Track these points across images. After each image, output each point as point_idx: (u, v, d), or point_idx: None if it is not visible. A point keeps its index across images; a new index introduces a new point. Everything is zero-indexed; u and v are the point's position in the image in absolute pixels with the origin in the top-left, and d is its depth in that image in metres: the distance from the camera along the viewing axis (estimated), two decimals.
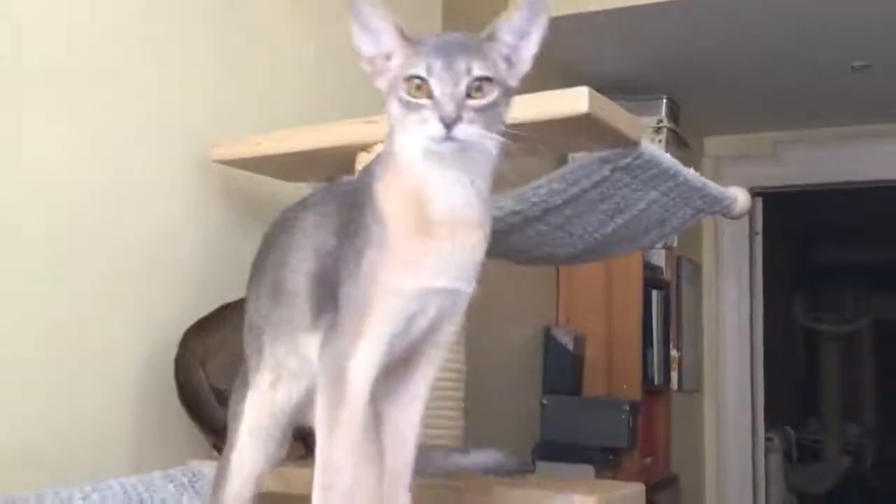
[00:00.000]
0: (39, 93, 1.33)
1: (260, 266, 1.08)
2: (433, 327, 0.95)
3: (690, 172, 1.50)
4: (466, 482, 1.23)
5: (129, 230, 1.46)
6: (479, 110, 0.84)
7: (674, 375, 3.66)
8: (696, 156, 4.14)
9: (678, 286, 3.79)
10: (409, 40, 0.89)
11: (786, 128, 4.14)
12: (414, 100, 0.85)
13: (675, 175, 1.47)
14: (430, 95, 0.84)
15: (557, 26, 3.02)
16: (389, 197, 0.89)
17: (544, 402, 3.22)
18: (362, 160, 1.44)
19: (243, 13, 1.74)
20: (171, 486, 1.34)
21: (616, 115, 1.29)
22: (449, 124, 0.82)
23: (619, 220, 1.57)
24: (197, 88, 1.62)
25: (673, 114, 3.56)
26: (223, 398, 1.25)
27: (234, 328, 1.19)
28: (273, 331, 1.03)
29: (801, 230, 5.48)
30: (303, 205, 1.03)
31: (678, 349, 3.71)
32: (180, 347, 1.43)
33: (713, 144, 4.31)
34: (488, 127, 0.84)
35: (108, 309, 1.43)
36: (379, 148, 1.40)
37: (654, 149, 1.40)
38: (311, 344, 0.96)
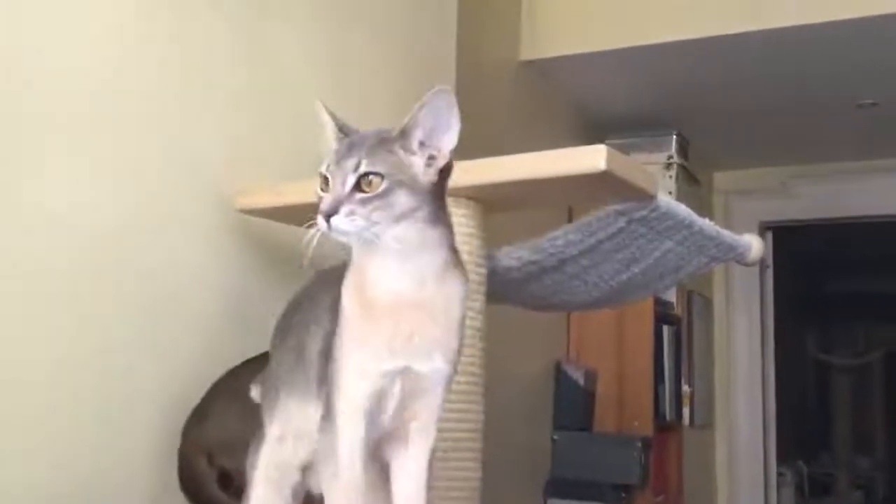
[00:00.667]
0: (63, 136, 1.35)
1: (287, 322, 1.11)
2: (406, 405, 0.98)
3: (705, 222, 1.53)
4: None
5: (150, 274, 1.47)
6: (365, 202, 0.89)
7: (685, 411, 3.66)
8: (706, 191, 4.17)
9: (689, 321, 3.80)
10: (337, 142, 0.97)
11: (794, 163, 4.16)
12: (319, 194, 0.93)
13: (690, 225, 1.50)
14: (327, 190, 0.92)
15: (568, 65, 3.07)
16: (348, 282, 0.96)
17: (555, 437, 3.22)
18: None
19: (266, 57, 1.78)
20: None
21: (632, 170, 1.32)
22: (326, 216, 0.89)
23: (635, 269, 1.59)
24: (220, 133, 1.65)
25: (683, 150, 3.59)
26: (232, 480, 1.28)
27: (236, 415, 1.22)
28: (289, 388, 1.09)
29: (811, 263, 5.48)
30: (329, 275, 1.07)
31: (690, 384, 3.72)
32: (182, 439, 1.41)
33: (722, 179, 4.34)
34: (372, 217, 0.89)
35: (128, 355, 1.44)
36: None
37: (670, 201, 1.43)
38: (314, 412, 1.01)
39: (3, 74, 1.28)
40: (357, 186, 0.90)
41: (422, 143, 0.94)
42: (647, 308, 3.32)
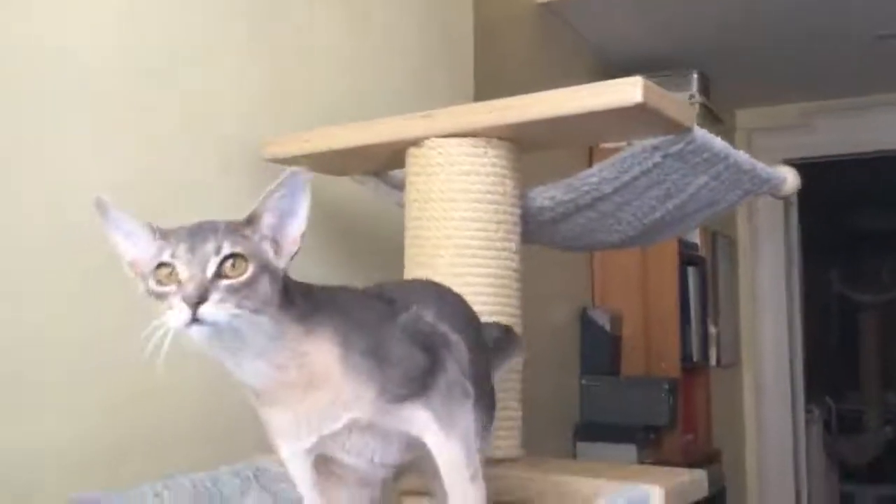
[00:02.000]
0: (87, 98, 1.34)
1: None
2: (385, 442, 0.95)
3: (740, 154, 1.50)
4: (531, 470, 1.25)
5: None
6: (233, 289, 0.81)
7: (712, 351, 3.66)
8: (729, 129, 4.11)
9: (714, 262, 3.78)
10: (164, 234, 0.86)
11: (816, 98, 4.10)
12: (161, 288, 0.82)
13: (725, 158, 1.46)
14: (178, 280, 0.81)
15: (586, 6, 3.02)
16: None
17: (583, 382, 3.24)
18: (413, 156, 1.45)
19: (285, 9, 1.75)
20: (237, 480, 1.36)
21: (668, 102, 1.28)
22: (192, 305, 0.79)
23: (669, 206, 1.56)
24: (241, 89, 1.63)
25: (704, 88, 3.53)
26: None
27: None
28: None
29: (836, 199, 5.42)
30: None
31: (716, 325, 3.71)
32: None
33: (745, 117, 4.28)
34: (242, 305, 0.81)
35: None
36: (431, 143, 1.42)
37: (706, 133, 1.40)
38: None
39: (20, 49, 1.26)
40: (218, 273, 0.81)
41: (271, 228, 0.87)
42: (672, 250, 3.30)
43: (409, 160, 1.46)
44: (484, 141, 1.40)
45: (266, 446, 1.49)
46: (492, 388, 1.08)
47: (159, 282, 0.82)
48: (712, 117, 3.58)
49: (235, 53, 1.63)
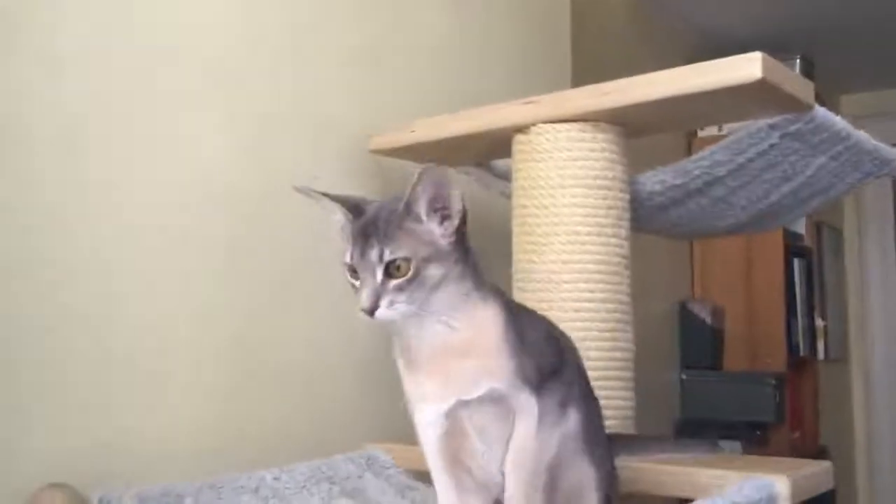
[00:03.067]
0: (199, 94, 1.38)
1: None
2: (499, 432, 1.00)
3: (861, 134, 1.44)
4: (660, 463, 1.22)
5: (284, 228, 1.49)
6: (401, 288, 0.91)
7: (819, 345, 3.52)
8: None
9: (820, 252, 3.64)
10: (350, 226, 0.97)
11: None
12: (352, 281, 0.95)
13: (846, 137, 1.41)
14: (357, 278, 0.94)
15: None
16: (395, 347, 1.00)
17: (683, 377, 3.16)
18: (520, 142, 1.44)
19: (390, 4, 1.76)
20: (351, 466, 1.38)
21: (789, 79, 1.24)
22: (369, 312, 0.91)
23: (785, 189, 1.51)
24: (344, 78, 1.64)
25: (808, 73, 3.40)
26: None
27: None
28: None
29: None
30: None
31: (823, 318, 3.57)
32: None
33: (850, 103, 4.11)
34: (412, 299, 0.91)
35: (278, 301, 1.48)
36: (538, 129, 1.41)
37: (826, 111, 1.34)
38: None
39: (140, 37, 1.31)
40: (387, 274, 0.91)
41: (431, 209, 0.94)
42: (776, 241, 3.19)
43: (516, 147, 1.45)
44: (591, 125, 1.38)
45: (375, 437, 1.52)
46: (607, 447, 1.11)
47: (350, 275, 0.95)
48: (817, 103, 3.45)
49: (343, 49, 1.65)
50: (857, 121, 4.06)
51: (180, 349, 1.32)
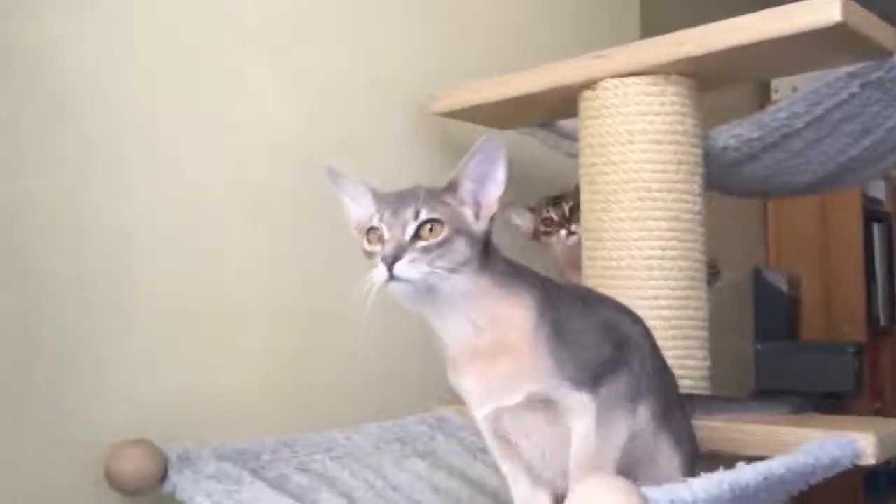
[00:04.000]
0: (260, 52, 1.39)
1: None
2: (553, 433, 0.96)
3: None
4: (741, 423, 1.20)
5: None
6: (428, 250, 0.88)
7: None
8: None
9: None
10: (378, 199, 0.95)
11: None
12: (370, 247, 0.92)
13: None
14: (382, 241, 0.90)
15: None
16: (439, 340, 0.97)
17: (758, 347, 3.09)
18: (587, 99, 1.41)
19: None
20: (423, 427, 1.39)
21: (870, 22, 1.18)
22: (389, 263, 0.87)
23: (865, 142, 1.45)
24: (405, 40, 1.63)
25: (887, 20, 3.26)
26: None
27: None
28: None
29: None
30: None
31: None
32: None
33: None
34: (434, 264, 0.87)
35: (347, 259, 1.48)
36: (606, 84, 1.38)
37: None
38: None
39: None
40: (416, 235, 0.89)
41: (471, 193, 0.92)
42: (854, 205, 3.08)
43: (583, 104, 1.42)
44: (662, 78, 1.34)
45: (447, 400, 1.52)
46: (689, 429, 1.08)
47: (369, 241, 0.92)
48: None
49: (406, 6, 1.64)
50: None
51: (251, 307, 1.34)
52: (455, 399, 1.48)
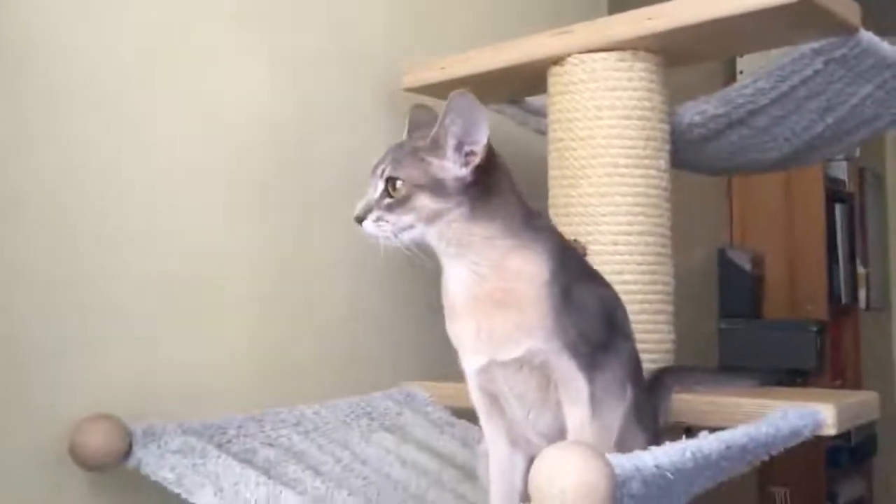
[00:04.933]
0: (233, 31, 1.37)
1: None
2: (543, 394, 0.97)
3: None
4: (706, 394, 1.21)
5: (321, 163, 1.49)
6: (391, 207, 0.93)
7: (861, 293, 3.46)
8: None
9: (862, 198, 3.56)
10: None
11: None
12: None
13: (893, 65, 1.36)
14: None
15: None
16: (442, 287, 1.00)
17: (722, 326, 3.12)
18: (555, 74, 1.41)
19: None
20: (390, 402, 1.39)
21: None
22: (358, 221, 0.94)
23: (829, 119, 1.47)
24: (377, 14, 1.62)
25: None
26: None
27: None
28: None
29: None
30: None
31: (865, 265, 3.50)
32: None
33: None
34: (401, 220, 0.92)
35: (319, 237, 1.47)
36: (574, 60, 1.38)
37: (872, 36, 1.29)
38: None
39: None
40: (386, 192, 0.93)
41: (457, 146, 0.93)
42: (817, 185, 3.12)
43: (551, 79, 1.42)
44: (630, 54, 1.35)
45: (412, 375, 1.52)
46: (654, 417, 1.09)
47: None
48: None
49: None
50: None
51: (223, 285, 1.33)
52: (423, 376, 1.50)
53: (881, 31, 3.70)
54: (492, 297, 0.93)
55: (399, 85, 1.59)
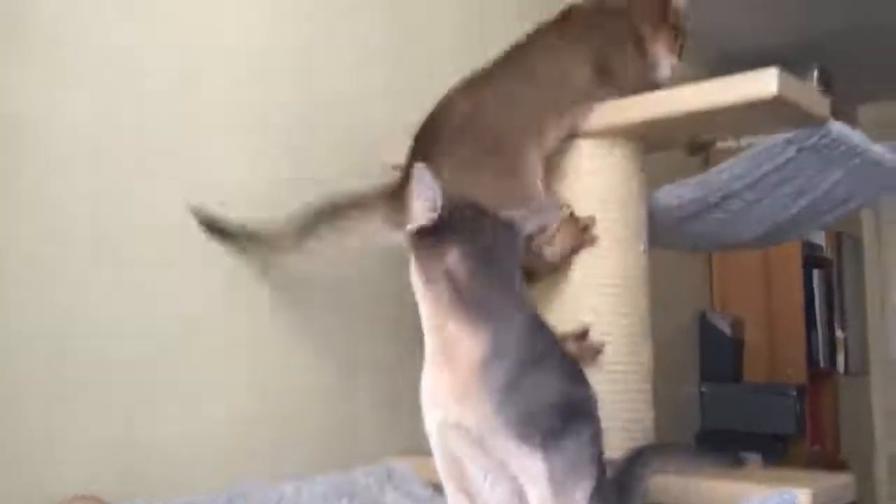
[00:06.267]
0: (216, 104, 1.40)
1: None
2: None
3: (878, 149, 1.44)
4: (683, 476, 1.23)
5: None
6: None
7: (840, 358, 3.50)
8: (851, 126, 3.93)
9: (840, 264, 3.62)
10: None
11: None
12: None
13: (862, 152, 1.41)
14: None
15: (706, 3, 2.88)
16: None
17: (703, 389, 3.15)
18: None
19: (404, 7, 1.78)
20: (371, 479, 1.39)
21: (804, 94, 1.25)
22: None
23: (802, 202, 1.52)
24: (368, 85, 1.66)
25: (826, 83, 3.39)
26: None
27: None
28: None
29: None
30: None
31: (843, 330, 3.55)
32: None
33: (868, 113, 4.09)
34: None
35: (300, 312, 1.49)
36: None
37: (842, 126, 1.35)
38: None
39: (161, 58, 1.33)
40: None
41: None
42: (795, 251, 3.18)
43: None
44: (609, 141, 1.39)
45: (395, 450, 1.53)
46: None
47: None
48: (833, 114, 3.43)
49: (362, 52, 1.66)
50: (875, 130, 4.03)
51: (202, 358, 1.34)
52: (407, 451, 1.50)
53: (873, 98, 3.74)
54: (441, 354, 0.93)
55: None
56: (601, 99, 1.35)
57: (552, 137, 1.33)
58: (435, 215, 0.93)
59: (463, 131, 1.28)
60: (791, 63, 3.38)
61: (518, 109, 1.30)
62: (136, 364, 1.25)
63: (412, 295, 0.97)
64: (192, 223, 1.34)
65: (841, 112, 3.48)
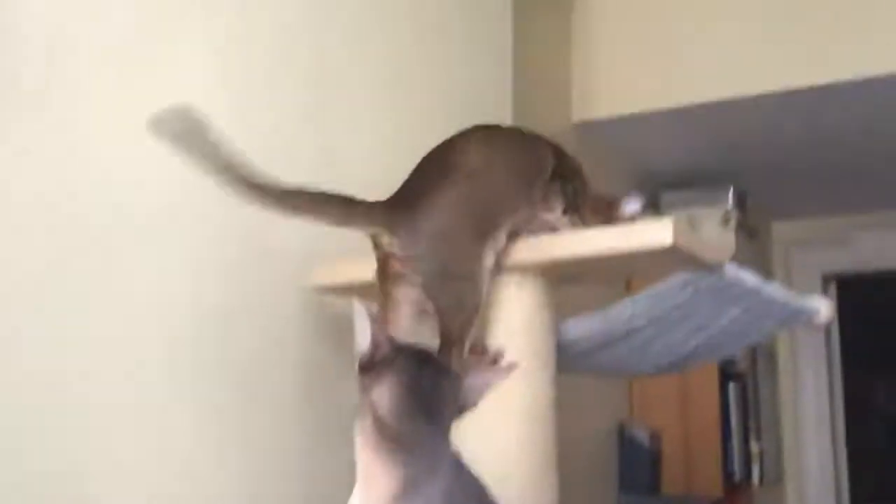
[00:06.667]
0: (151, 239, 1.41)
1: None
2: None
3: (773, 287, 1.53)
4: None
5: (232, 361, 1.51)
6: None
7: (755, 469, 3.58)
8: (765, 242, 4.13)
9: (755, 377, 3.74)
10: None
11: (857, 211, 4.09)
12: None
13: (757, 292, 1.50)
14: None
15: (622, 125, 3.07)
16: None
17: (621, 501, 3.18)
18: None
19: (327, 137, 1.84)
20: None
21: (698, 243, 1.33)
22: None
23: (701, 337, 1.59)
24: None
25: (741, 202, 3.57)
26: None
27: None
28: None
29: (878, 315, 5.35)
30: None
31: (758, 441, 3.64)
32: None
33: (782, 230, 4.28)
34: None
35: (214, 437, 1.49)
36: None
37: (738, 269, 1.44)
38: None
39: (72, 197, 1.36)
40: None
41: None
42: (712, 366, 3.27)
43: None
44: (519, 274, 1.45)
45: None
46: None
47: None
48: (748, 231, 3.61)
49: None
50: (788, 247, 4.22)
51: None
52: None
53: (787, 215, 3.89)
54: (363, 488, 0.97)
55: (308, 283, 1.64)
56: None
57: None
58: (367, 352, 0.98)
59: (471, 187, 1.31)
60: (708, 181, 3.59)
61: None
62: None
63: None
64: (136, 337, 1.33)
65: (754, 230, 3.67)
